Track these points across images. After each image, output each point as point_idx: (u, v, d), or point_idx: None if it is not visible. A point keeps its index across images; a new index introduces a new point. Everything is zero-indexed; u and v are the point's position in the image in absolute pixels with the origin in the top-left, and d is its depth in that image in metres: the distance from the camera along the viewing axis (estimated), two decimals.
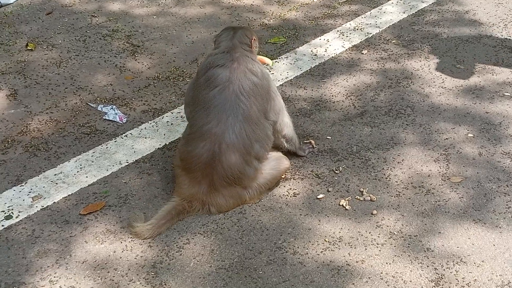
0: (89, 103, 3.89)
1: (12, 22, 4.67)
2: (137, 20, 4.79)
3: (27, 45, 4.39)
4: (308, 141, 3.54)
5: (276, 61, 4.34)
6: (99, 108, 3.85)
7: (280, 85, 4.08)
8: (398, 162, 3.39)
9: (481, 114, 3.76)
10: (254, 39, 3.04)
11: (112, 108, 3.84)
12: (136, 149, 3.52)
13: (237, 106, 2.84)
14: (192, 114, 2.98)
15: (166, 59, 4.35)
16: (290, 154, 3.41)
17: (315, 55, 4.39)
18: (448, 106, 3.85)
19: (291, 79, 4.14)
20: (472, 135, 3.57)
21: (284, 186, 3.23)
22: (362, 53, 4.42)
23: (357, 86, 4.06)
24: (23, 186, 3.25)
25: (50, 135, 3.62)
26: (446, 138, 3.56)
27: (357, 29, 4.71)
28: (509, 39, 4.53)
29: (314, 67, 4.27)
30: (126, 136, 3.63)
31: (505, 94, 3.94)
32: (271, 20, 4.86)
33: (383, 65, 4.28)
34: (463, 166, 3.34)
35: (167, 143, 3.55)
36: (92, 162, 3.42)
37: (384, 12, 4.94)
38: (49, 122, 3.73)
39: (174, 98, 3.94)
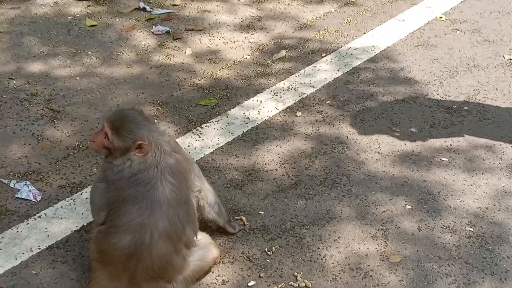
0: (1, 179, 3.56)
1: None
2: (58, 82, 4.50)
3: None
4: (239, 217, 3.31)
5: (207, 125, 4.11)
6: (11, 185, 3.53)
7: (211, 152, 3.85)
8: (334, 240, 3.18)
9: (419, 183, 3.61)
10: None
11: (25, 184, 3.53)
12: (50, 233, 3.21)
13: (170, 192, 2.63)
14: (112, 212, 2.69)
15: (89, 125, 4.07)
16: (219, 232, 3.17)
17: (248, 118, 4.19)
18: (385, 174, 3.69)
19: (222, 146, 3.92)
20: (410, 207, 3.41)
21: (213, 273, 2.98)
22: (296, 116, 4.24)
23: (291, 153, 3.86)
24: None
25: None
26: (384, 211, 3.38)
27: (291, 89, 4.55)
28: (445, 99, 4.44)
29: (246, 131, 4.06)
30: (39, 217, 3.32)
31: (442, 159, 3.82)
32: (202, 80, 4.65)
33: (317, 128, 4.11)
34: (402, 243, 3.16)
35: (85, 224, 3.26)
36: (0, 249, 3.08)
37: (318, 70, 4.81)
38: None
39: (95, 170, 3.65)
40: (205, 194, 2.91)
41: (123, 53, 4.93)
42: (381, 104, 4.41)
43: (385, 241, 3.18)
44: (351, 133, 4.07)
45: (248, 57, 5.01)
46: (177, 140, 3.89)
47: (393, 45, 5.24)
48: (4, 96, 4.31)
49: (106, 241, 2.66)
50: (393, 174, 3.69)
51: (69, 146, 3.87)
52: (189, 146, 3.90)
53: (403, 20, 5.73)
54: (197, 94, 4.47)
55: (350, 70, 4.84)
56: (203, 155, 3.82)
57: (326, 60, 4.99)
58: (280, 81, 4.67)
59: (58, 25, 5.25)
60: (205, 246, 2.87)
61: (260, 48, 5.15)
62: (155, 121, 2.82)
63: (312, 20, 5.66)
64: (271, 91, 4.54)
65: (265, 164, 3.76)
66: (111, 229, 2.65)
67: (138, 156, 2.63)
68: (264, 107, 4.33)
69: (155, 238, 2.59)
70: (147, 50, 5.01)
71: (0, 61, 4.71)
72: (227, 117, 4.21)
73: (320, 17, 5.74)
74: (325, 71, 4.82)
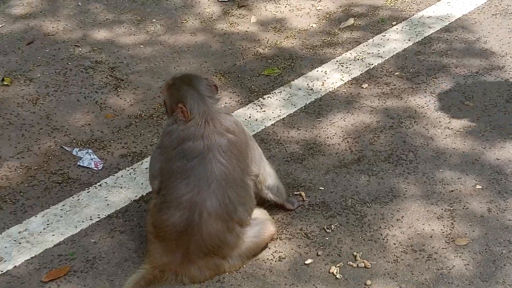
0: (64, 146, 3.59)
1: None
2: (122, 50, 4.49)
3: (3, 79, 4.11)
4: (298, 192, 3.22)
5: (269, 96, 4.01)
6: (74, 152, 3.55)
7: (272, 124, 3.76)
8: (397, 220, 3.05)
9: (491, 162, 3.40)
10: (215, 85, 2.72)
11: (87, 152, 3.54)
12: (110, 202, 3.22)
13: (219, 172, 2.55)
14: (164, 185, 2.66)
15: (151, 94, 4.04)
16: (277, 207, 3.09)
17: (311, 89, 4.06)
18: (454, 151, 3.50)
19: (284, 118, 3.81)
20: (480, 187, 3.23)
21: (269, 248, 2.91)
22: (362, 87, 4.08)
23: (355, 127, 3.72)
24: None
25: (19, 184, 3.33)
26: (452, 190, 3.21)
27: (358, 59, 4.37)
28: None
29: (309, 103, 3.94)
30: (100, 185, 3.33)
31: None
32: (266, 49, 4.53)
33: (384, 101, 3.94)
34: (470, 225, 2.99)
35: (144, 194, 3.25)
36: (61, 217, 3.12)
37: (388, 40, 4.60)
38: (19, 168, 3.43)
39: (156, 140, 3.63)
40: (263, 178, 2.82)
41: (187, 21, 4.87)
42: (453, 76, 4.19)
43: (451, 223, 3.02)
44: (419, 107, 3.88)
45: (314, 25, 4.86)
46: (238, 111, 3.82)
47: (469, 14, 4.95)
48: (69, 63, 4.34)
49: (158, 216, 2.63)
50: (463, 151, 3.50)
51: (131, 115, 3.86)
52: (250, 117, 3.82)
53: None
54: (260, 63, 4.37)
55: (422, 40, 4.61)
56: (264, 127, 3.74)
57: (397, 29, 4.77)
58: (346, 51, 4.50)
59: None
60: (261, 223, 2.80)
61: (327, 16, 4.98)
62: (215, 88, 2.72)
63: None
64: (337, 61, 4.38)
65: (328, 137, 3.64)
66: (163, 204, 2.62)
67: (180, 120, 2.59)
68: (328, 78, 4.19)
69: (204, 217, 2.54)
70: (211, 18, 4.92)
71: (66, 28, 4.74)
72: (290, 88, 4.10)
73: None
74: (394, 40, 4.61)
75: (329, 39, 4.66)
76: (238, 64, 4.36)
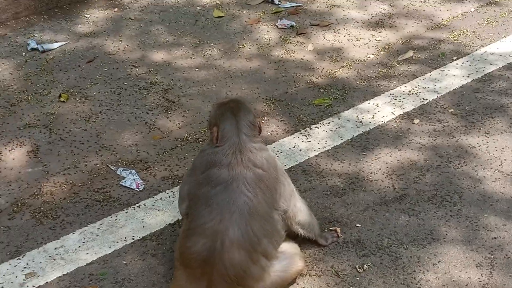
0: (109, 165, 3.67)
1: (51, 70, 4.55)
2: (178, 72, 4.57)
3: (60, 96, 4.25)
4: (333, 228, 3.16)
5: (316, 127, 3.97)
6: (118, 172, 3.62)
7: (316, 155, 3.71)
8: (434, 264, 2.94)
9: None
10: (259, 121, 2.70)
11: (131, 172, 3.60)
12: (146, 224, 3.25)
13: (242, 203, 2.54)
14: (190, 210, 2.68)
15: (200, 118, 4.08)
16: (310, 242, 3.04)
17: (360, 122, 4.00)
18: (502, 195, 3.35)
19: (329, 149, 3.76)
20: None
21: (297, 284, 2.86)
22: (413, 123, 3.98)
23: (401, 163, 3.63)
24: (20, 259, 3.05)
25: (62, 200, 3.42)
26: (495, 237, 3.07)
27: (412, 94, 4.27)
28: None
29: (356, 136, 3.88)
30: (139, 206, 3.37)
31: None
32: (320, 78, 4.50)
33: (434, 139, 3.82)
34: (510, 276, 2.84)
35: (180, 219, 3.26)
36: (97, 236, 3.18)
37: (446, 75, 4.48)
38: (64, 184, 3.53)
39: None
40: (293, 214, 2.78)
41: (244, 46, 4.90)
42: (511, 117, 4.02)
43: (490, 271, 2.88)
44: (471, 147, 3.75)
45: (371, 56, 4.79)
46: (283, 139, 3.80)
47: None
48: (125, 83, 4.44)
49: (184, 243, 2.64)
50: (511, 197, 3.34)
51: (178, 138, 3.91)
52: (294, 147, 3.79)
53: None
54: (312, 92, 4.33)
55: (482, 77, 4.47)
56: (307, 158, 3.70)
57: (457, 64, 4.63)
58: (401, 84, 4.41)
59: (187, 15, 5.33)
60: (290, 257, 2.76)
61: (386, 47, 4.90)
62: (258, 129, 2.69)
63: (448, 20, 5.29)
64: (390, 94, 4.30)
65: (371, 173, 3.56)
66: (188, 231, 2.63)
67: (212, 143, 2.62)
68: (379, 111, 4.11)
69: (226, 246, 2.52)
70: (269, 44, 4.94)
71: (127, 48, 4.86)
72: (339, 119, 4.05)
73: (457, 16, 5.36)
74: (453, 76, 4.48)
75: (385, 71, 4.59)
76: (289, 92, 4.35)
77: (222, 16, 5.32)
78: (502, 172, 3.53)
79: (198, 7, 5.46)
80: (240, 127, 2.63)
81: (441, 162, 3.63)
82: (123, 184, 3.53)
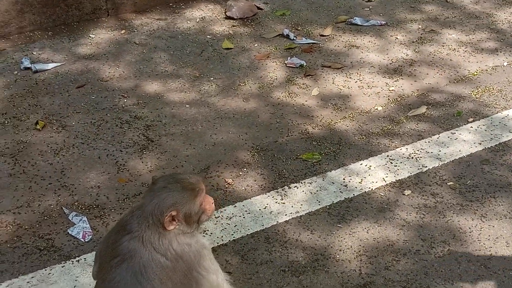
0: (64, 207, 3.43)
1: (37, 92, 4.37)
2: (167, 107, 4.30)
3: (37, 123, 4.04)
4: None
5: (296, 186, 3.61)
6: (70, 217, 3.38)
7: (285, 221, 3.36)
8: None
9: None
10: (174, 216, 2.31)
11: (82, 219, 3.35)
12: (79, 283, 2.98)
13: (134, 286, 2.20)
14: (96, 275, 2.39)
15: (175, 162, 3.79)
16: None
17: (345, 186, 3.61)
18: None
19: (302, 216, 3.41)
20: None
21: None
22: (404, 194, 3.57)
23: (376, 242, 3.23)
24: None
25: (2, 243, 3.20)
26: None
27: (412, 158, 3.85)
28: None
29: (336, 202, 3.50)
30: (78, 261, 3.12)
31: None
32: (316, 128, 4.14)
33: (422, 216, 3.40)
34: None
35: None
36: None
37: (456, 139, 4.03)
38: (11, 225, 3.32)
39: None
40: None
41: (245, 84, 4.59)
42: None
43: None
44: (461, 231, 3.31)
45: (379, 108, 4.38)
46: (256, 197, 3.49)
47: None
48: (108, 114, 4.20)
49: None
50: None
51: (145, 183, 3.64)
52: (265, 208, 3.45)
53: None
54: (303, 145, 3.97)
55: (495, 146, 4.00)
56: (275, 223, 3.36)
57: (471, 127, 4.17)
58: (403, 145, 3.99)
59: (194, 44, 5.06)
60: None
61: (399, 99, 4.48)
62: (161, 226, 2.33)
63: (475, 73, 4.82)
64: (388, 156, 3.89)
65: (340, 250, 3.18)
66: None
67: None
68: (370, 175, 3.71)
69: None
70: (272, 83, 4.61)
71: (122, 75, 4.63)
72: (323, 179, 3.67)
73: (486, 70, 4.88)
74: (463, 141, 4.03)
75: (390, 127, 4.17)
76: (279, 141, 4.00)
77: (231, 48, 5.03)
78: (489, 268, 3.08)
79: (208, 36, 5.18)
80: (150, 203, 2.31)
81: (421, 247, 3.21)
82: (70, 233, 3.28)
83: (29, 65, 4.63)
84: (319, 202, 3.51)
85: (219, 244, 3.23)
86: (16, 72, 4.61)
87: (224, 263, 3.11)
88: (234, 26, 5.37)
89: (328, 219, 3.40)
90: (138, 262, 2.22)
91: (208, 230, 3.31)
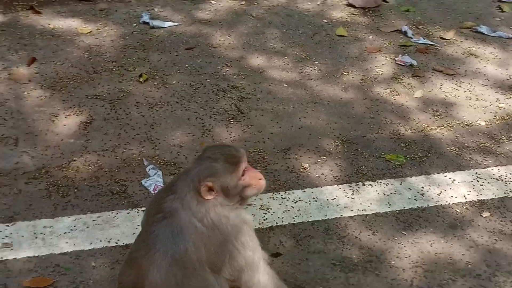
0: (144, 159, 3.58)
1: (149, 47, 4.57)
2: (265, 83, 4.35)
3: (140, 75, 4.23)
4: None
5: (370, 184, 3.55)
6: (147, 169, 3.53)
7: (350, 216, 3.33)
8: None
9: None
10: (210, 186, 2.35)
11: (157, 174, 3.49)
12: (137, 231, 3.11)
13: (169, 244, 2.29)
14: (142, 225, 2.51)
15: (258, 137, 3.85)
16: None
17: (422, 194, 3.50)
18: None
19: (368, 215, 3.35)
20: None
21: None
22: (482, 215, 3.41)
23: (437, 257, 3.12)
24: (8, 226, 3.09)
25: (81, 180, 3.41)
26: None
27: (501, 180, 3.66)
28: None
29: (408, 209, 3.41)
30: (143, 211, 3.25)
31: None
32: (409, 131, 4.02)
33: (494, 242, 3.24)
34: None
35: None
36: (87, 228, 3.13)
37: None
38: (92, 165, 3.52)
39: None
40: (247, 287, 2.45)
41: (348, 73, 4.53)
42: None
43: None
44: None
45: (482, 123, 4.18)
46: (327, 187, 3.47)
47: None
48: (208, 80, 4.32)
49: (120, 270, 2.52)
50: None
51: None
52: (334, 199, 3.43)
53: None
54: (390, 145, 3.88)
55: None
56: (339, 216, 3.34)
57: None
58: (496, 166, 3.79)
59: (309, 26, 5.06)
60: None
61: (505, 117, 4.25)
62: (198, 193, 2.38)
63: None
64: (476, 173, 3.71)
65: (397, 257, 3.10)
66: (126, 257, 2.52)
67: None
68: (452, 188, 3.57)
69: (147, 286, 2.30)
70: (376, 78, 4.52)
71: (230, 44, 4.73)
72: (401, 184, 3.58)
73: None
74: None
75: (488, 144, 3.98)
76: (367, 137, 3.94)
77: (344, 36, 4.97)
78: None
79: (325, 20, 5.15)
80: (192, 176, 2.37)
81: (484, 272, 3.05)
82: (143, 183, 3.43)
83: (148, 20, 4.84)
84: (390, 205, 3.43)
85: (277, 224, 3.25)
86: (135, 24, 4.83)
87: (278, 243, 3.13)
88: (353, 14, 5.29)
89: (394, 223, 3.31)
90: (177, 222, 2.29)
91: (271, 209, 3.33)
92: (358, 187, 3.54)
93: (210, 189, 2.30)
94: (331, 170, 3.65)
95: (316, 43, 4.84)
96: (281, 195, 3.43)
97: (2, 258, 2.91)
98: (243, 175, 2.37)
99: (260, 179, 2.42)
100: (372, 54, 4.78)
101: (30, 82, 4.09)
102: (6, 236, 3.03)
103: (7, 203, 3.21)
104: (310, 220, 3.29)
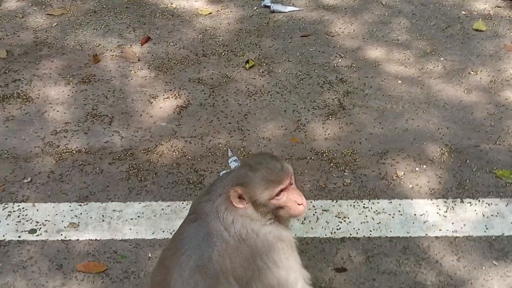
0: (230, 150, 3.49)
1: (263, 32, 4.44)
2: (378, 77, 4.03)
3: (247, 61, 4.12)
4: None
5: (469, 203, 3.14)
6: (229, 160, 3.43)
7: (436, 237, 2.97)
8: None
9: None
10: (240, 194, 2.16)
11: (237, 166, 3.36)
12: None
13: (195, 248, 2.17)
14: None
15: (354, 137, 3.58)
16: None
17: None
18: None
19: (457, 237, 2.98)
20: None
21: None
22: None
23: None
24: (81, 205, 3.16)
25: (162, 166, 3.40)
26: None
27: None
28: None
29: (508, 236, 2.98)
30: None
31: None
32: None
33: None
34: None
35: None
36: (154, 216, 3.11)
37: None
38: (177, 151, 3.50)
39: (308, 186, 3.24)
40: None
41: (477, 73, 4.06)
42: None
43: None
44: None
45: None
46: (418, 200, 3.19)
47: None
48: (316, 70, 4.09)
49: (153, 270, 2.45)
50: None
51: (314, 150, 3.52)
52: (422, 215, 3.10)
53: None
54: (507, 159, 3.42)
55: None
56: (423, 235, 3.00)
57: None
58: None
59: (443, 17, 4.62)
60: None
61: None
62: (229, 202, 2.21)
63: None
64: None
65: (473, 278, 2.70)
66: (161, 253, 2.42)
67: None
68: None
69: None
70: (508, 81, 4.01)
71: (350, 33, 4.47)
72: (507, 205, 3.14)
73: None
74: None
75: None
76: (480, 147, 3.49)
77: (482, 31, 4.45)
78: None
79: (463, 12, 4.66)
80: (228, 180, 2.21)
81: None
82: (221, 175, 3.31)
83: (269, 4, 4.69)
84: (487, 228, 3.00)
85: (351, 236, 2.98)
86: (255, 8, 4.71)
87: (346, 257, 2.87)
88: (498, 6, 4.72)
89: (486, 251, 2.89)
90: (205, 227, 2.18)
91: (348, 218, 3.07)
92: (455, 204, 3.14)
93: (240, 197, 2.13)
94: (428, 181, 3.27)
95: (446, 37, 4.39)
96: (363, 204, 3.14)
97: (65, 238, 2.97)
98: (278, 194, 2.16)
99: (299, 204, 2.19)
100: (510, 53, 4.22)
101: (139, 61, 4.13)
102: (76, 216, 3.08)
103: (86, 182, 3.27)
104: (388, 236, 2.98)
